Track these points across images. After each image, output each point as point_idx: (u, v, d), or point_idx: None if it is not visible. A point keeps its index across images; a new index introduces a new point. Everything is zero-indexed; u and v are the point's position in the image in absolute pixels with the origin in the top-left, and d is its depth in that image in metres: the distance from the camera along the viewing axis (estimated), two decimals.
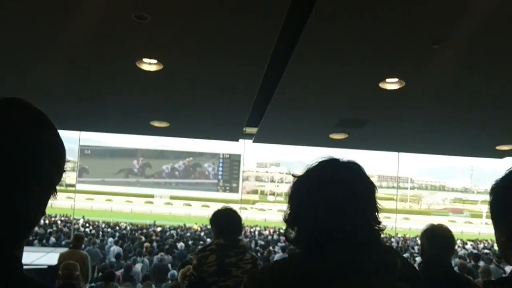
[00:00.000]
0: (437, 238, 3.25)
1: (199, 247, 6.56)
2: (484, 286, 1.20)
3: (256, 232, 29.64)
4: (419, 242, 3.69)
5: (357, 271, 1.33)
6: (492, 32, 4.65)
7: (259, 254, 15.40)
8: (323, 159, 1.53)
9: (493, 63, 5.43)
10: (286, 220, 1.48)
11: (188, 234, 25.65)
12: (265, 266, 1.54)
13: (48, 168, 0.86)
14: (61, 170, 0.90)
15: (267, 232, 29.70)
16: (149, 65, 5.77)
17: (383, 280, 1.25)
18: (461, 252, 22.60)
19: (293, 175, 1.54)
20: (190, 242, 19.07)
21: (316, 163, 1.51)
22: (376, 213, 1.47)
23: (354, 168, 1.51)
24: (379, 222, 1.47)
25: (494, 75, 5.79)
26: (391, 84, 6.10)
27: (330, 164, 1.51)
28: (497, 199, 1.25)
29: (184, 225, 31.70)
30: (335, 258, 1.34)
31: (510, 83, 6.05)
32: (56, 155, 0.89)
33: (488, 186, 1.35)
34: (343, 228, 1.39)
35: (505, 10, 4.18)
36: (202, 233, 26.11)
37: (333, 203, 1.41)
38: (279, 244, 19.84)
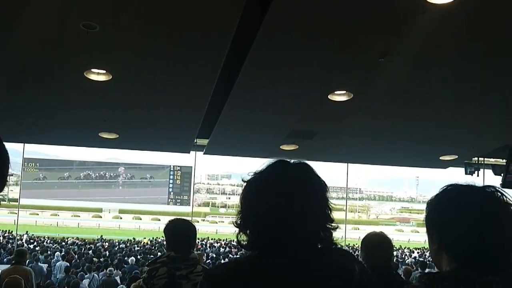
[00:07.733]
0: (372, 246, 3.28)
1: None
2: (419, 279, 1.33)
3: (208, 245, 29.38)
4: None
5: (313, 274, 1.34)
6: (436, 48, 4.84)
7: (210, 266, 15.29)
8: (272, 161, 1.51)
9: (437, 77, 5.65)
10: (238, 225, 1.45)
11: (137, 248, 25.09)
12: (221, 265, 1.51)
13: None
14: (4, 178, 0.88)
15: (218, 245, 29.48)
16: (98, 75, 5.67)
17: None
18: (408, 260, 23.18)
19: (243, 180, 1.51)
20: (139, 257, 18.69)
21: (265, 166, 1.49)
22: (329, 211, 1.45)
23: (303, 167, 1.49)
24: (332, 220, 1.45)
25: (437, 88, 6.02)
26: (340, 95, 6.23)
27: (279, 165, 1.49)
28: (431, 213, 1.41)
29: (134, 239, 30.95)
30: (288, 258, 1.34)
31: (453, 96, 6.30)
32: None
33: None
34: (295, 227, 1.38)
35: (449, 26, 4.36)
36: (153, 247, 25.61)
37: (283, 202, 1.39)
38: (230, 256, 19.76)
